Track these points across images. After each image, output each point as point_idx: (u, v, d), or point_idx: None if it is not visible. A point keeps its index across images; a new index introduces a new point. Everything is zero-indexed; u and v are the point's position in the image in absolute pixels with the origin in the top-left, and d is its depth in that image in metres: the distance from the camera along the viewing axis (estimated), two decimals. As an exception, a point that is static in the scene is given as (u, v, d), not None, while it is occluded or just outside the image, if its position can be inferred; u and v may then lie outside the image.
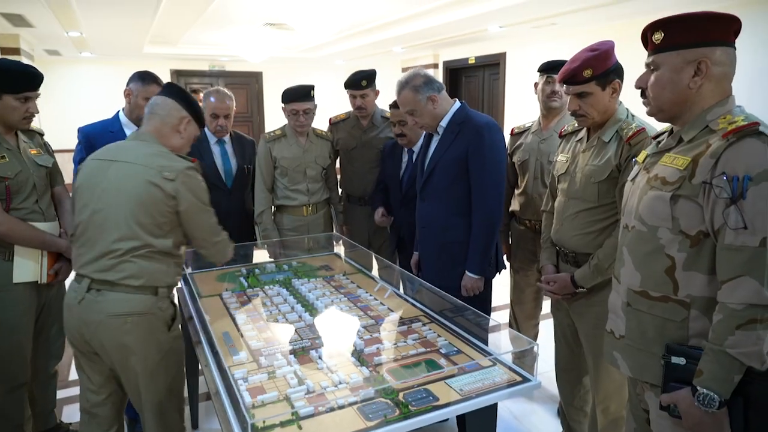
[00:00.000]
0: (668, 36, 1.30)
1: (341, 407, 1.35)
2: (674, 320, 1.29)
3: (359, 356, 1.63)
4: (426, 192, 2.32)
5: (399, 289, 2.25)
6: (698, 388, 1.19)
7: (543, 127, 2.64)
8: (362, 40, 7.34)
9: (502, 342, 2.03)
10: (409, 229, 2.75)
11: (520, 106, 7.36)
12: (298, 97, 2.88)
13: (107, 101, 7.73)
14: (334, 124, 3.19)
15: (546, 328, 3.17)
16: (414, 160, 2.77)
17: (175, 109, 1.81)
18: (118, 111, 2.58)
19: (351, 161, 3.10)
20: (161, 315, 1.71)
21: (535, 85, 2.68)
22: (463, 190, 2.23)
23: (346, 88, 3.02)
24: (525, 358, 1.56)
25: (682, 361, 1.26)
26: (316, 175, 2.99)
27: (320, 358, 1.62)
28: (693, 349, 1.25)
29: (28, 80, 2.02)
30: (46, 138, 2.33)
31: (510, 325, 2.86)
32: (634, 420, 1.55)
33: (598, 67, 1.79)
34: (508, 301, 2.95)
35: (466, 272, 2.24)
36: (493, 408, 1.50)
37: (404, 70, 9.83)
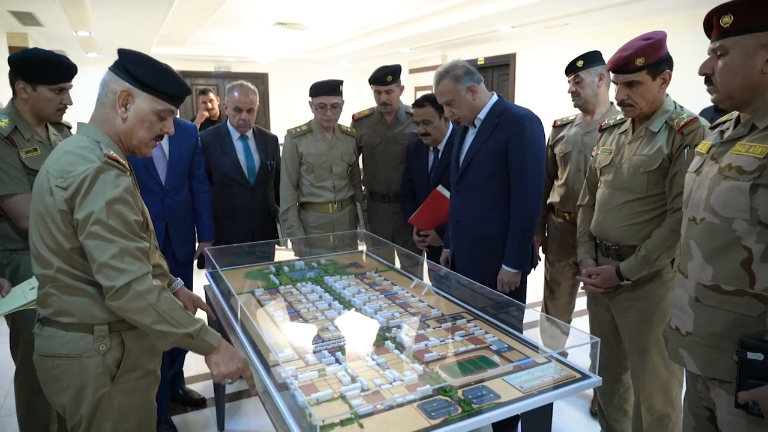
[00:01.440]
0: (739, 18, 1.25)
1: (400, 405, 1.29)
2: (750, 315, 1.24)
3: (409, 353, 1.57)
4: (462, 185, 2.29)
5: (434, 286, 2.20)
6: None
7: (586, 121, 2.60)
8: (370, 41, 7.31)
9: (551, 337, 1.98)
10: (436, 228, 2.71)
11: (531, 108, 7.34)
12: (327, 90, 2.83)
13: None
14: (357, 120, 3.14)
15: (578, 325, 3.13)
16: (439, 158, 2.72)
17: (111, 81, 1.39)
18: None
19: (375, 158, 3.05)
20: (100, 360, 1.35)
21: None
22: (500, 182, 2.19)
23: (370, 84, 2.97)
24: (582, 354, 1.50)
25: (759, 356, 1.21)
26: (342, 172, 2.94)
27: (368, 355, 1.56)
28: None
29: (63, 70, 1.98)
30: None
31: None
32: (693, 419, 1.49)
33: (650, 56, 1.75)
34: (539, 298, 2.90)
35: (503, 266, 2.19)
36: (549, 407, 1.45)
37: (411, 71, 9.80)
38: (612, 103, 2.56)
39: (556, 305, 2.80)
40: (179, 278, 1.71)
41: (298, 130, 2.93)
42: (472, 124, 2.27)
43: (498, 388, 1.37)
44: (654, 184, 1.82)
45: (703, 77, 1.39)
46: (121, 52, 1.40)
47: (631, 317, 1.94)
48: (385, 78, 2.91)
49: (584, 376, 1.44)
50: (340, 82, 2.88)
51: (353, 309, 1.93)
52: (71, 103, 2.06)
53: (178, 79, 1.44)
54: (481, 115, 2.23)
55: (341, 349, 1.61)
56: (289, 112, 9.55)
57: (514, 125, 2.15)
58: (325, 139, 2.91)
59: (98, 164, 1.29)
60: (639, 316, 1.91)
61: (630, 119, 1.97)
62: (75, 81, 2.07)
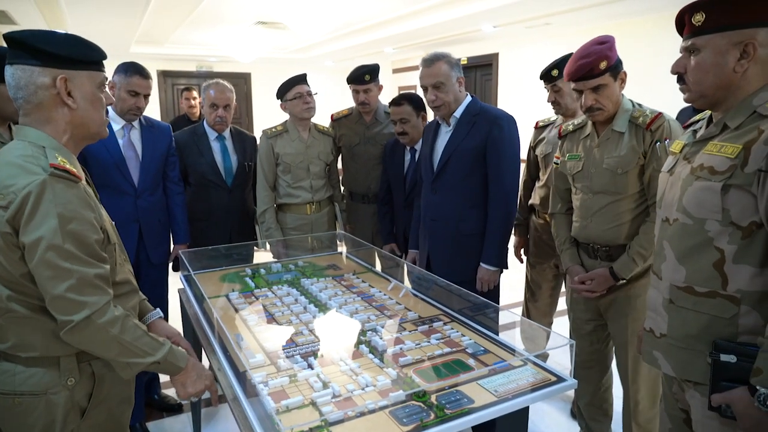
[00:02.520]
0: (711, 17, 1.24)
1: (372, 411, 1.26)
2: (723, 317, 1.23)
3: (383, 357, 1.54)
4: (439, 184, 2.29)
5: (412, 288, 2.17)
6: (758, 387, 1.12)
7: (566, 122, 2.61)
8: (353, 40, 7.27)
9: (528, 340, 1.97)
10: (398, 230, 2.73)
11: (513, 108, 7.35)
12: (300, 80, 2.83)
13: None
14: (336, 120, 3.10)
15: (559, 325, 3.13)
16: (416, 159, 2.70)
17: (33, 75, 1.17)
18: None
19: (354, 158, 3.02)
20: (68, 396, 1.22)
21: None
22: (478, 181, 2.20)
23: (348, 83, 2.94)
24: (558, 357, 1.48)
25: (732, 358, 1.20)
26: (319, 172, 2.90)
27: (341, 360, 1.53)
28: (745, 347, 1.19)
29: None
30: None
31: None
32: (669, 420, 1.49)
33: (610, 58, 1.79)
34: (519, 299, 2.90)
35: (483, 265, 2.20)
36: (525, 410, 1.43)
37: (395, 71, 9.78)
38: None
39: (537, 307, 2.79)
40: (158, 309, 1.57)
41: (274, 130, 2.88)
42: (445, 122, 2.28)
43: (472, 393, 1.35)
44: (633, 183, 1.83)
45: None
46: (16, 37, 1.16)
47: (622, 316, 1.95)
48: (363, 77, 2.88)
49: (560, 379, 1.42)
50: (305, 74, 2.90)
51: (329, 312, 1.89)
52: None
53: (93, 43, 1.27)
54: (457, 114, 2.25)
55: (314, 353, 1.57)
56: (272, 112, 9.49)
57: (492, 125, 2.16)
58: (301, 139, 2.87)
59: (43, 177, 1.12)
60: (631, 314, 1.92)
61: (590, 123, 1.98)
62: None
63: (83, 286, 1.13)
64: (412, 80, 8.79)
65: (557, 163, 2.13)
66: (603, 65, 1.79)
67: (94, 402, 1.27)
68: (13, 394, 1.20)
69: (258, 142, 2.95)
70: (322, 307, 1.93)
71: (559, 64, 2.46)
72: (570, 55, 2.50)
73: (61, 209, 1.12)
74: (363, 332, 1.71)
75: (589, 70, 1.79)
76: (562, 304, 2.84)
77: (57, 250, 1.11)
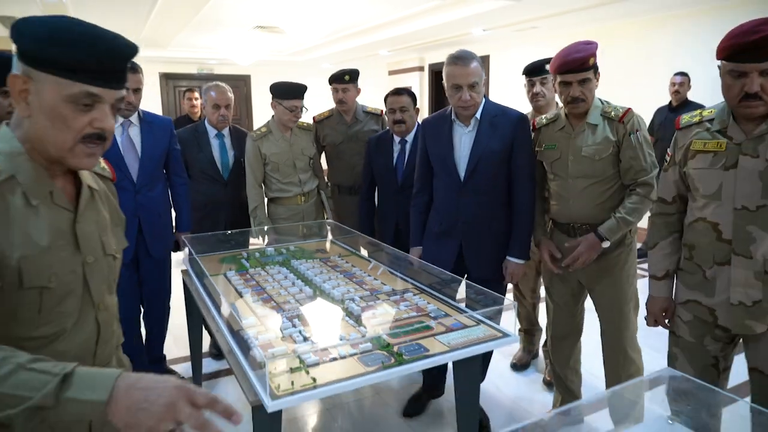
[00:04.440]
0: None
1: (343, 357, 1.52)
2: None
3: (357, 320, 1.80)
4: (469, 187, 2.31)
5: (390, 267, 2.42)
6: None
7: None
8: (349, 43, 7.53)
9: (483, 305, 2.21)
10: (405, 219, 2.79)
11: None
12: (298, 95, 3.05)
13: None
14: (318, 122, 3.37)
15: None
16: (408, 150, 2.88)
17: (14, 66, 0.95)
18: None
19: (339, 155, 3.28)
20: None
21: (525, 86, 2.93)
22: (504, 180, 2.32)
23: (330, 83, 3.24)
24: (498, 317, 1.74)
25: None
26: (304, 166, 3.17)
27: (321, 321, 1.79)
28: None
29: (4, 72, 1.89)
30: None
31: (515, 298, 3.05)
32: (691, 367, 1.73)
33: (595, 57, 2.08)
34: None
35: (512, 259, 2.34)
36: (476, 359, 1.69)
37: (391, 73, 10.03)
38: (557, 103, 2.82)
39: (526, 282, 2.99)
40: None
41: (259, 132, 3.12)
42: (462, 122, 2.33)
43: (429, 345, 1.60)
44: (607, 168, 2.13)
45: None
46: (14, 25, 0.94)
47: (605, 285, 2.23)
48: (343, 77, 3.19)
49: (505, 335, 1.68)
50: (305, 87, 3.12)
51: (314, 286, 2.15)
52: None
53: (86, 38, 0.94)
54: (478, 115, 2.30)
55: (298, 316, 1.83)
56: (271, 113, 9.77)
57: (516, 125, 2.28)
58: (285, 138, 3.12)
59: None
60: (610, 280, 2.21)
61: (563, 117, 2.23)
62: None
63: None
64: (407, 82, 9.05)
65: (537, 152, 2.33)
66: (591, 61, 2.08)
67: None
68: None
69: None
70: (309, 283, 2.19)
71: (549, 60, 2.74)
72: (547, 59, 2.78)
73: None
74: (342, 300, 1.97)
75: (581, 63, 2.05)
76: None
77: None
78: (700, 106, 4.68)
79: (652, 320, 1.88)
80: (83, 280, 1.03)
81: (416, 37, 6.96)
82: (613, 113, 2.13)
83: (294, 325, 1.75)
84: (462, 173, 2.32)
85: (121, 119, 2.56)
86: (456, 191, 2.34)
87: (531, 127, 2.36)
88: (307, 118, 3.27)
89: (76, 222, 1.02)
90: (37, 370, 0.77)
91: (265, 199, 3.18)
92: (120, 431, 0.77)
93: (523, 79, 2.95)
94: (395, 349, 1.57)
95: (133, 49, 1.00)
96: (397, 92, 2.90)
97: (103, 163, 1.19)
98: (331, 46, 7.95)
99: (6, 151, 0.96)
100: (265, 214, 3.13)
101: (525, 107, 3.14)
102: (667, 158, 1.83)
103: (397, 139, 2.94)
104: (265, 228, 3.05)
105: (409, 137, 2.90)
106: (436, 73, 8.78)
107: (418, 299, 1.99)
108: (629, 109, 2.14)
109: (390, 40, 7.17)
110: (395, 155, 2.97)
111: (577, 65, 2.05)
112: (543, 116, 2.38)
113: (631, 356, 2.25)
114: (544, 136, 2.31)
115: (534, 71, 2.84)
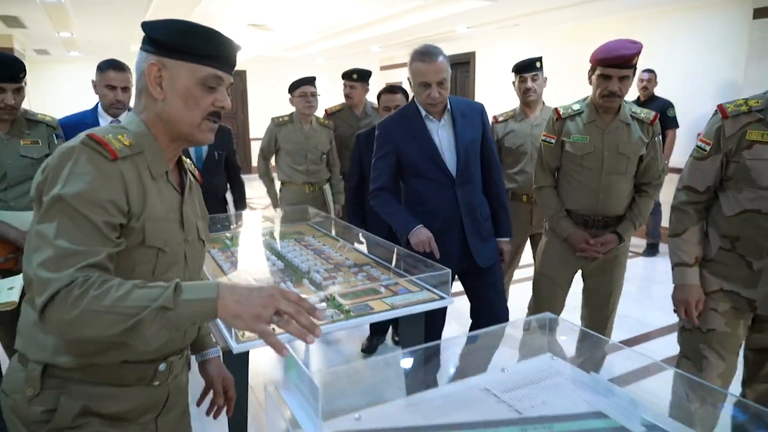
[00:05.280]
0: None
1: (300, 314, 1.80)
2: None
3: (318, 286, 2.08)
4: (461, 178, 2.33)
5: (357, 246, 2.70)
6: None
7: (529, 116, 3.13)
8: (341, 39, 7.79)
9: (430, 276, 2.49)
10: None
11: (490, 102, 7.85)
12: (307, 82, 3.44)
13: (95, 98, 8.10)
14: (330, 114, 3.77)
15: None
16: None
17: (140, 61, 1.11)
18: (97, 103, 2.73)
19: (349, 147, 3.55)
20: (25, 407, 1.05)
21: (513, 83, 3.16)
22: (478, 167, 2.40)
23: (342, 78, 3.67)
24: (442, 285, 2.01)
25: None
26: (315, 159, 3.52)
27: (287, 286, 2.06)
28: None
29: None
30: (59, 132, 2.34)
31: None
32: (721, 359, 1.78)
33: (637, 58, 2.18)
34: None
35: (503, 239, 2.47)
36: (420, 316, 1.97)
37: (382, 68, 10.28)
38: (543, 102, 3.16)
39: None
40: (218, 347, 1.44)
41: (280, 119, 3.53)
42: (433, 117, 2.32)
43: (376, 305, 1.89)
44: (634, 166, 2.34)
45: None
46: (144, 25, 1.11)
47: (609, 272, 2.49)
48: (352, 75, 3.62)
49: (441, 299, 1.96)
50: (314, 77, 3.53)
51: (286, 260, 2.43)
52: (12, 102, 2.11)
53: (212, 33, 1.11)
54: (449, 106, 2.32)
55: (267, 282, 2.11)
56: (267, 107, 10.03)
57: (482, 114, 2.40)
58: (302, 130, 3.48)
59: (74, 144, 1.00)
60: (616, 269, 2.51)
61: (593, 110, 2.32)
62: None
63: (56, 261, 0.92)
64: (399, 77, 9.30)
65: (549, 142, 2.43)
66: (635, 60, 2.15)
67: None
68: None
69: (231, 134, 3.46)
70: (282, 258, 2.47)
71: (539, 58, 3.06)
72: (537, 57, 3.05)
73: (75, 180, 0.97)
74: (308, 272, 2.25)
75: (627, 60, 2.11)
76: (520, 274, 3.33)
77: (50, 219, 0.95)
78: (667, 101, 4.95)
79: (683, 310, 1.80)
80: (184, 255, 1.17)
81: (404, 34, 7.21)
82: (642, 115, 2.32)
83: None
84: (453, 167, 2.31)
85: (110, 118, 2.69)
86: (450, 186, 2.31)
87: (555, 116, 2.43)
88: (320, 112, 3.65)
89: (182, 203, 1.18)
90: (150, 286, 0.93)
91: (273, 177, 3.67)
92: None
93: (510, 76, 3.17)
94: (346, 307, 1.85)
95: (238, 46, 1.19)
96: (391, 90, 3.10)
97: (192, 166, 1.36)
98: (323, 42, 8.20)
99: (135, 132, 1.10)
100: (272, 185, 3.69)
101: (511, 102, 3.42)
102: (703, 147, 1.74)
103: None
104: (253, 210, 3.40)
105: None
106: (425, 68, 8.99)
107: (375, 271, 2.27)
108: (657, 113, 2.38)
109: (379, 37, 7.42)
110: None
111: (622, 61, 2.11)
112: (567, 107, 2.43)
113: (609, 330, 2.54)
114: (569, 126, 2.37)
115: (525, 68, 3.06)
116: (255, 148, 9.73)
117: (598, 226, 2.40)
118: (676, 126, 4.96)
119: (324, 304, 1.86)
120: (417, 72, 2.22)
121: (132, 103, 1.28)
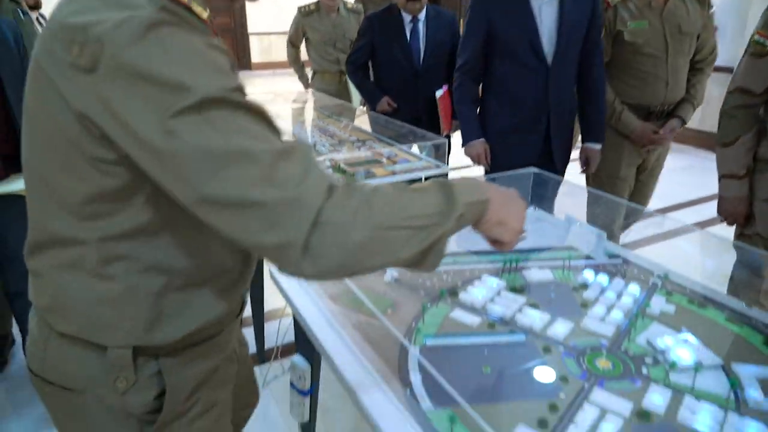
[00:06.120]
0: None
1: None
2: None
3: (324, 159, 2.23)
4: (556, 70, 2.04)
5: (363, 126, 2.80)
6: None
7: None
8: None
9: (433, 149, 2.62)
10: (426, 106, 2.75)
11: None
12: None
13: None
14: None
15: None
16: (425, 28, 2.74)
17: None
18: None
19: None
20: (118, 402, 0.75)
21: None
22: (577, 56, 2.14)
23: None
24: (440, 153, 2.15)
25: None
26: (344, 48, 3.45)
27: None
28: None
29: None
30: None
31: None
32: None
33: None
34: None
35: (590, 145, 2.20)
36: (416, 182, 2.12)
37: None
38: None
39: None
40: None
41: (306, 9, 3.46)
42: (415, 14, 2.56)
43: (378, 172, 2.04)
44: (694, 45, 2.15)
45: None
46: None
47: (660, 155, 2.38)
48: None
49: (437, 166, 2.11)
50: None
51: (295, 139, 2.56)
52: None
53: None
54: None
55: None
56: (265, 11, 9.63)
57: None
58: (329, 19, 3.44)
59: (149, 12, 0.59)
60: (662, 151, 2.38)
61: None
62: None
63: (279, 162, 0.60)
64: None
65: (625, 30, 2.14)
66: None
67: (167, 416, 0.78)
68: (44, 382, 0.78)
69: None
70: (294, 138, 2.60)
71: None
72: None
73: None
74: (314, 145, 2.39)
75: None
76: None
77: (222, 120, 0.59)
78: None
79: (732, 221, 1.73)
80: None
81: None
82: None
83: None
84: (549, 55, 2.00)
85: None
86: (543, 77, 2.01)
87: (604, 5, 2.15)
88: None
89: None
90: (413, 189, 0.71)
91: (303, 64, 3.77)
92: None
93: None
94: (351, 173, 2.01)
95: None
96: None
97: None
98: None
99: None
100: (302, 71, 3.78)
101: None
102: (762, 42, 1.54)
103: (407, 17, 2.72)
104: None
105: (421, 15, 2.73)
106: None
107: (378, 146, 2.40)
108: None
109: None
110: (408, 34, 2.75)
111: None
112: None
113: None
114: (624, 13, 2.12)
115: None
116: (254, 42, 9.58)
117: (661, 116, 2.21)
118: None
119: (330, 170, 2.01)
120: None
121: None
